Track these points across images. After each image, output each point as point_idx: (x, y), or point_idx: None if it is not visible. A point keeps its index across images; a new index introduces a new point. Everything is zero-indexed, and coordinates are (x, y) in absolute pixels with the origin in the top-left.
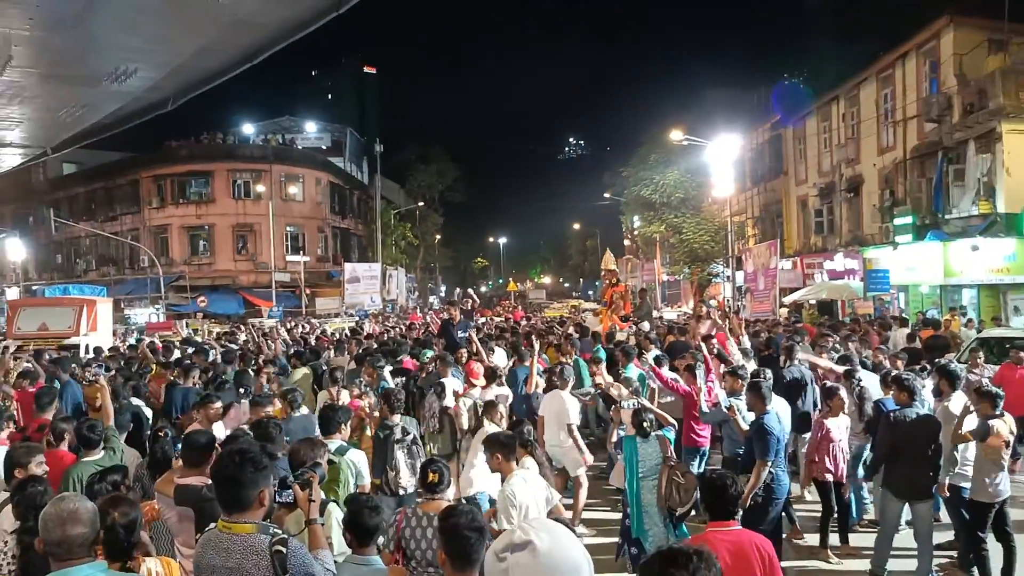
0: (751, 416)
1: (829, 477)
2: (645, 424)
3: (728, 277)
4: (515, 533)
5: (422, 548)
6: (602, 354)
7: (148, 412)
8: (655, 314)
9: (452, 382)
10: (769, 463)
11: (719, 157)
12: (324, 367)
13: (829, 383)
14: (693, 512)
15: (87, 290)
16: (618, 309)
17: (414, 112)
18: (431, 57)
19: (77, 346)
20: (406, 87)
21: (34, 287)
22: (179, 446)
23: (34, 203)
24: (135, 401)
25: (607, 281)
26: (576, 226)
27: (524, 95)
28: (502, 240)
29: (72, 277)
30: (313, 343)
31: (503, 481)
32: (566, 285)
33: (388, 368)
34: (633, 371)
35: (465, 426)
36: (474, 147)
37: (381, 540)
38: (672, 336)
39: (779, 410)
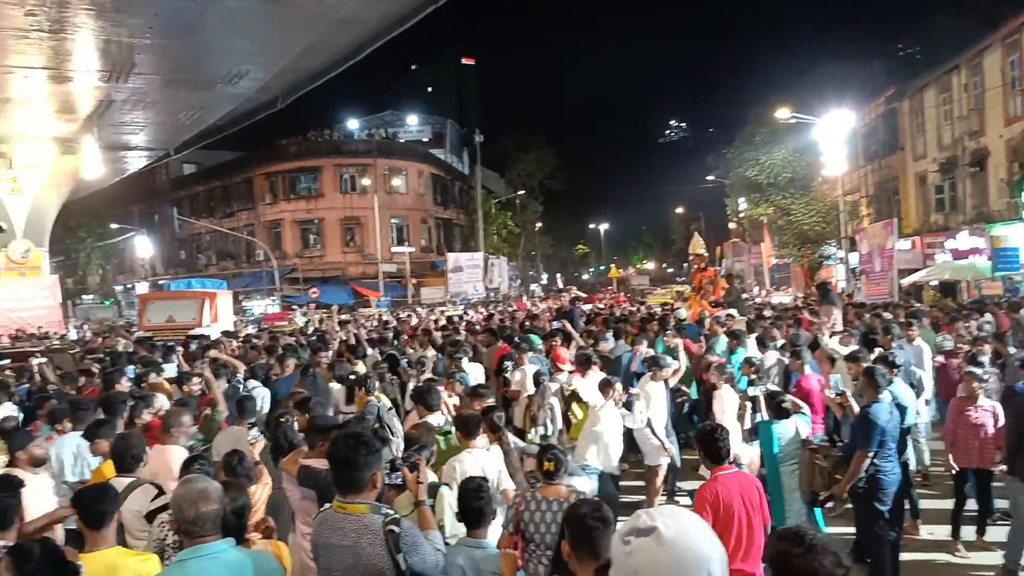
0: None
1: (966, 464)
2: (784, 405)
3: (841, 259)
4: (641, 518)
5: (540, 532)
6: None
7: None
8: (745, 297)
9: (530, 368)
10: (870, 454)
11: (830, 134)
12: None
13: (967, 366)
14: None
15: (208, 284)
16: (707, 295)
17: (513, 101)
18: (529, 45)
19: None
20: (504, 76)
21: (160, 282)
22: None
23: (158, 202)
24: (251, 384)
25: (696, 266)
26: (679, 210)
27: (623, 78)
28: (603, 226)
29: (194, 271)
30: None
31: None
32: (669, 270)
33: (466, 359)
34: (743, 354)
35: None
36: (573, 133)
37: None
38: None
39: (900, 398)
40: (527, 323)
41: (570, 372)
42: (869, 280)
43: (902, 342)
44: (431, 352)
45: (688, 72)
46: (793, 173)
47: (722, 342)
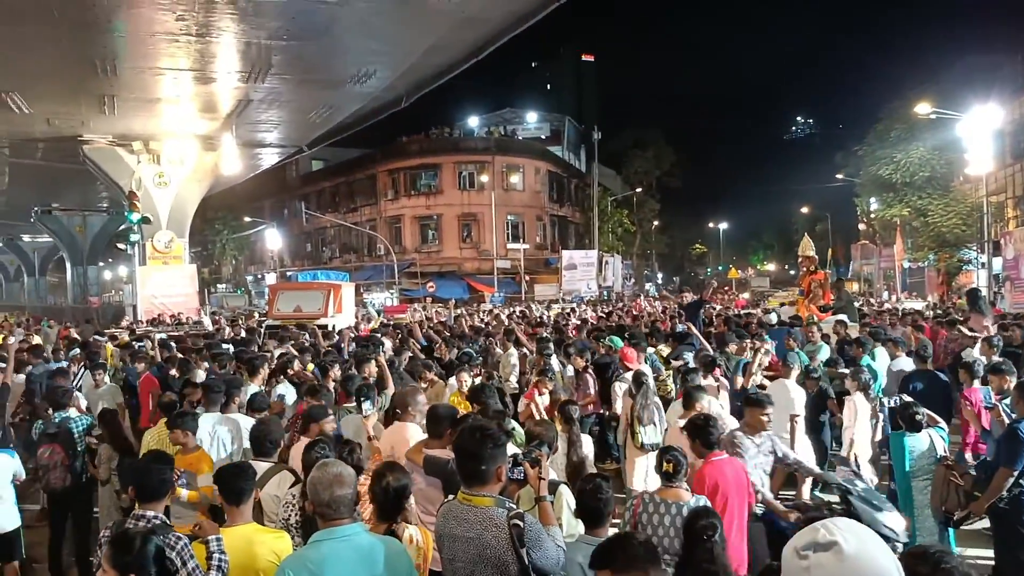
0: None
1: None
2: (918, 417)
3: (983, 264)
4: (819, 531)
5: (659, 534)
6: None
7: None
8: (858, 303)
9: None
10: (1015, 472)
11: (974, 130)
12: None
13: None
14: (969, 519)
15: (332, 275)
16: (816, 298)
17: (632, 98)
18: (649, 40)
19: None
20: (624, 73)
21: (288, 273)
22: None
23: (287, 197)
24: None
25: (804, 268)
26: (804, 210)
27: (746, 73)
28: (722, 225)
29: (319, 264)
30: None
31: None
32: (791, 272)
33: (554, 357)
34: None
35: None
36: (693, 131)
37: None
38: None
39: None
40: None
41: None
42: (1014, 287)
43: None
44: (513, 351)
45: (817, 66)
46: (931, 172)
47: (824, 350)
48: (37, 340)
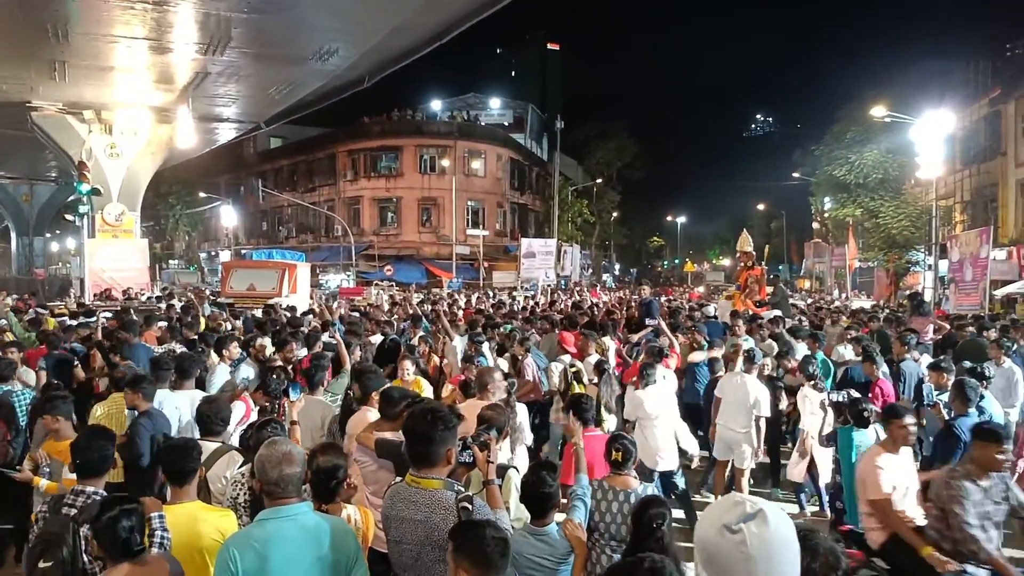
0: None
1: None
2: (865, 414)
3: (929, 266)
4: (744, 504)
5: (606, 521)
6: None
7: None
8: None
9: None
10: None
11: (926, 135)
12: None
13: None
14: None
15: (288, 255)
16: (752, 294)
17: (595, 88)
18: (614, 32)
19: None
20: (589, 63)
21: (242, 251)
22: None
23: (244, 174)
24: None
25: (742, 264)
26: (760, 207)
27: (709, 70)
28: (680, 219)
29: (275, 243)
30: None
31: None
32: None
33: (487, 345)
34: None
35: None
36: (655, 124)
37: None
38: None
39: (991, 414)
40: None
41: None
42: (959, 290)
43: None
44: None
45: (777, 65)
46: (884, 174)
47: (749, 343)
48: None
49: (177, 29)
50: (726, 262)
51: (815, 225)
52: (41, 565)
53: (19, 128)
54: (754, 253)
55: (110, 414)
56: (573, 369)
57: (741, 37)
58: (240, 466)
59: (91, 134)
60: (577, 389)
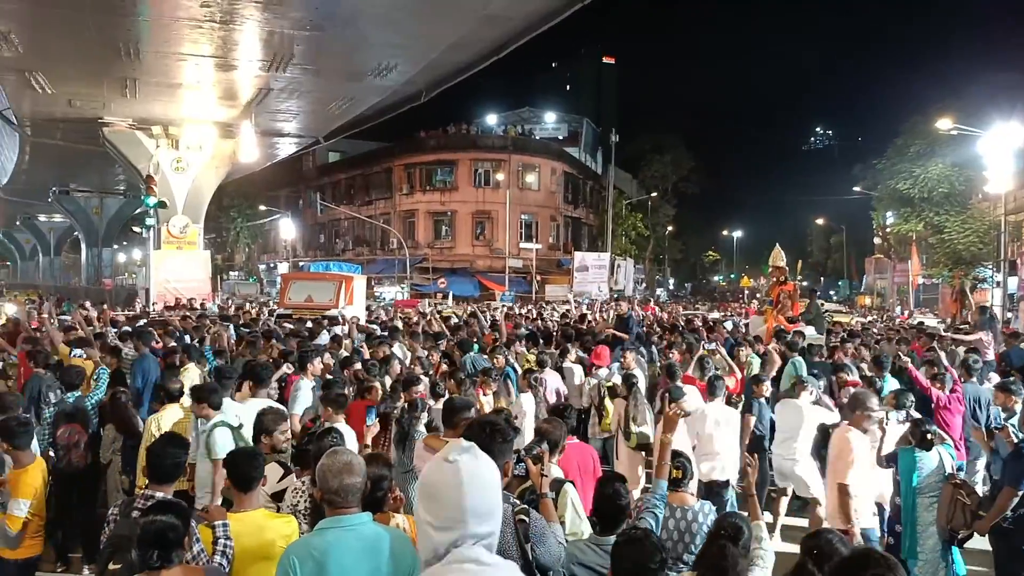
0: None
1: None
2: (929, 436)
3: (998, 283)
4: (455, 444)
5: (662, 538)
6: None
7: None
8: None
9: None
10: (1019, 492)
11: (995, 148)
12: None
13: None
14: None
15: (345, 267)
16: (785, 309)
17: (651, 102)
18: (672, 45)
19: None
20: (645, 76)
21: (300, 263)
22: None
23: (303, 188)
24: None
25: (774, 279)
26: (819, 221)
27: (767, 82)
28: (736, 233)
29: (332, 255)
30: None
31: None
32: (804, 283)
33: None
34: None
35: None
36: (711, 137)
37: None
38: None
39: None
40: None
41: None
42: None
43: None
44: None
45: (838, 77)
46: (950, 188)
47: (756, 363)
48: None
49: (242, 47)
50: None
51: (876, 240)
52: (111, 567)
53: (91, 143)
54: (787, 268)
55: (159, 425)
56: (608, 384)
57: (798, 48)
58: (281, 478)
59: (159, 149)
60: (609, 404)
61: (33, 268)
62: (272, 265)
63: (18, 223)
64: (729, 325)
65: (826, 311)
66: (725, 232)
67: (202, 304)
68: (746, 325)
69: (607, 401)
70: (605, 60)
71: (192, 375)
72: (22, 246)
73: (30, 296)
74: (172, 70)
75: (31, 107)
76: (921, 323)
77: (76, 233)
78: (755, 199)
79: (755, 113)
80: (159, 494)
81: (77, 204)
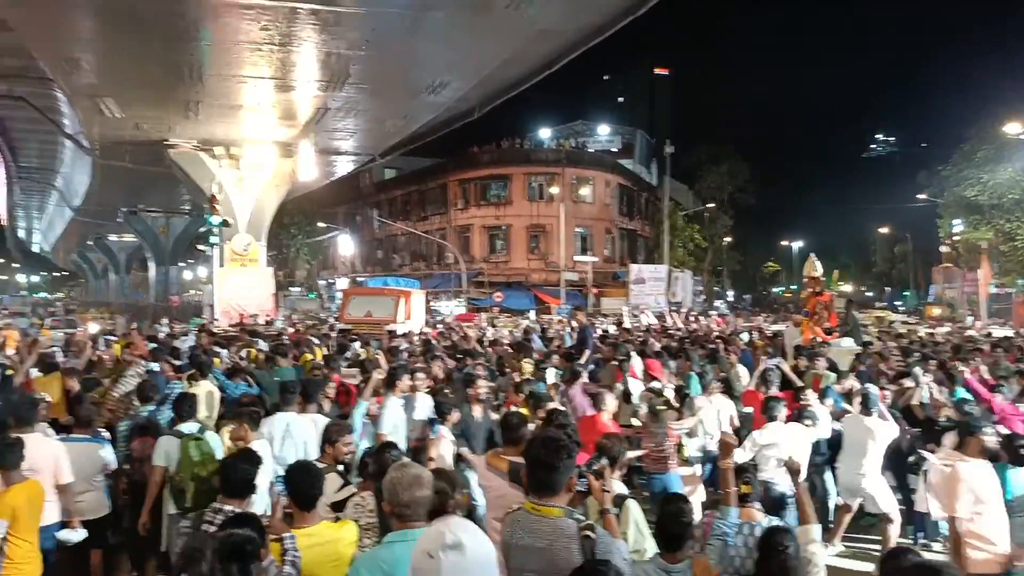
0: None
1: None
2: (1023, 451)
3: None
4: (445, 535)
5: (729, 555)
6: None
7: None
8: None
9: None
10: None
11: None
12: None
13: None
14: None
15: (402, 282)
16: (821, 320)
17: (706, 112)
18: (725, 55)
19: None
20: (699, 86)
21: (359, 279)
22: None
23: (360, 205)
24: None
25: (810, 289)
26: (883, 230)
27: (824, 89)
28: (796, 243)
29: (389, 271)
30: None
31: None
32: (868, 294)
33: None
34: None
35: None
36: (768, 146)
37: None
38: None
39: None
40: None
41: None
42: None
43: None
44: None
45: (899, 83)
46: (1021, 194)
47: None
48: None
49: (300, 68)
50: (847, 288)
51: (944, 249)
52: None
53: (157, 165)
54: (823, 279)
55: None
56: (661, 398)
57: (857, 56)
58: (340, 488)
59: (221, 169)
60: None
61: (104, 286)
62: (331, 281)
63: (90, 243)
64: (745, 337)
65: (892, 322)
66: (785, 242)
67: (267, 320)
68: (779, 336)
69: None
70: (658, 71)
71: (202, 390)
72: (94, 265)
73: (102, 314)
74: (233, 92)
75: (101, 131)
76: (989, 334)
77: (144, 252)
78: (815, 208)
79: (813, 121)
80: (227, 507)
81: (145, 224)
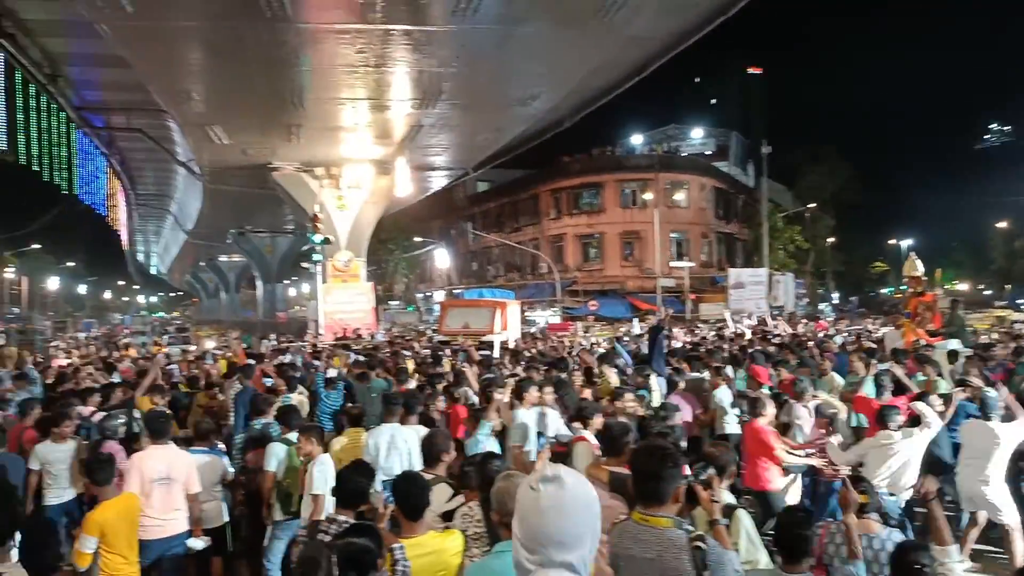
0: None
1: None
2: None
3: None
4: (546, 469)
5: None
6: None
7: None
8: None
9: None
10: None
11: None
12: None
13: None
14: None
15: (498, 293)
16: (924, 322)
17: (803, 110)
18: (823, 49)
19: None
20: (795, 84)
21: (455, 291)
22: None
23: (455, 218)
24: None
25: (911, 289)
26: (1000, 224)
27: (930, 80)
28: (905, 242)
29: (484, 282)
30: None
31: None
32: (986, 293)
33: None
34: None
35: None
36: (871, 143)
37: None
38: None
39: None
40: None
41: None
42: None
43: None
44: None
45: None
46: None
47: (868, 385)
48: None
49: (394, 88)
50: (963, 287)
51: None
52: None
53: (262, 187)
54: (924, 278)
55: (344, 448)
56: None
57: (962, 45)
58: (450, 498)
59: (322, 189)
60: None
61: (216, 304)
62: (428, 294)
63: (202, 264)
64: (839, 340)
65: (1015, 322)
66: (892, 241)
67: (370, 335)
68: (880, 340)
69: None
70: (751, 71)
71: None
72: (206, 284)
73: (214, 331)
74: (332, 114)
75: (210, 158)
76: None
77: (252, 271)
78: (924, 205)
79: (918, 115)
80: (341, 517)
81: (252, 244)
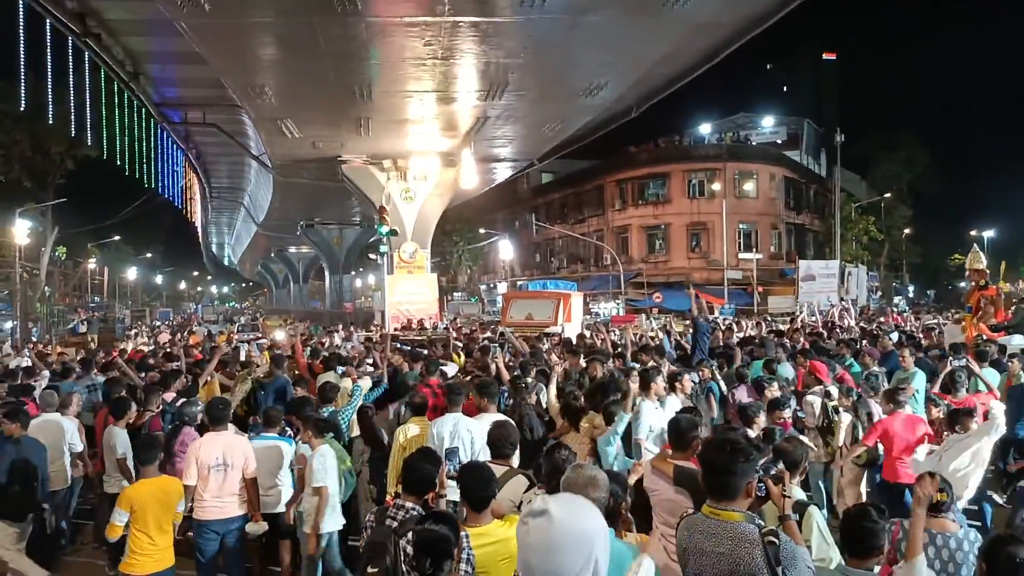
0: None
1: None
2: None
3: None
4: (535, 502)
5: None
6: None
7: None
8: None
9: None
10: None
11: None
12: None
13: None
14: None
15: (561, 285)
16: (987, 316)
17: (878, 97)
18: (897, 35)
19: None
20: (870, 69)
21: (518, 282)
22: None
23: (518, 209)
24: None
25: (974, 283)
26: None
27: (1015, 62)
28: (987, 233)
29: (547, 273)
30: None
31: None
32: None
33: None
34: None
35: None
36: (950, 130)
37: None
38: None
39: None
40: None
41: None
42: None
43: None
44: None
45: None
46: None
47: (919, 378)
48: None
49: (460, 80)
50: None
51: None
52: (369, 570)
53: (332, 179)
54: (987, 271)
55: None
56: (832, 403)
57: None
58: (527, 489)
59: (389, 181)
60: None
61: (285, 295)
62: (492, 285)
63: (272, 255)
64: (895, 337)
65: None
66: (973, 232)
67: (433, 325)
68: (940, 335)
69: (836, 421)
70: (825, 56)
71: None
72: (276, 275)
73: (288, 320)
74: (399, 107)
75: (281, 151)
76: None
77: (320, 262)
78: (1006, 194)
79: (999, 101)
80: (408, 504)
81: (321, 235)
